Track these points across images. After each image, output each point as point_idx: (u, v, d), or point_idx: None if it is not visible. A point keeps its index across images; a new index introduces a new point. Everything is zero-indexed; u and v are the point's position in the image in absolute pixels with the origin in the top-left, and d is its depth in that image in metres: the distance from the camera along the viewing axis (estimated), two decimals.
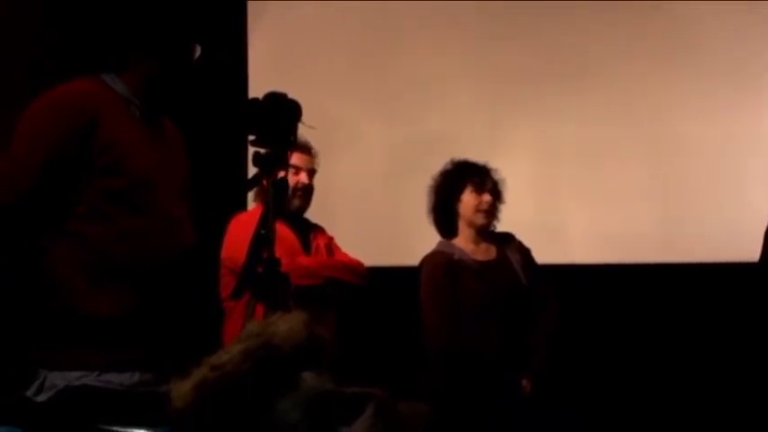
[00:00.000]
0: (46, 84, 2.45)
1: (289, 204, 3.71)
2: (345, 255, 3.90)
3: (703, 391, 4.58)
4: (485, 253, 3.88)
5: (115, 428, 2.04)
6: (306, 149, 3.81)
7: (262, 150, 2.62)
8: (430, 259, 3.85)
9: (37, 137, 2.35)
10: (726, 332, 4.32)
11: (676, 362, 4.71)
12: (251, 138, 2.54)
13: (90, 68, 2.49)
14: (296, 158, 3.74)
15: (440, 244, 3.89)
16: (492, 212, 3.87)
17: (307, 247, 3.83)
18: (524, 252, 3.94)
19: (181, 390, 1.60)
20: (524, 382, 3.73)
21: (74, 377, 2.30)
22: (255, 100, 2.50)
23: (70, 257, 2.35)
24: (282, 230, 3.50)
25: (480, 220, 3.85)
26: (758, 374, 3.56)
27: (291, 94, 2.50)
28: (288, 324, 1.64)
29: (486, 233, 3.90)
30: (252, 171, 2.70)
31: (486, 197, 3.85)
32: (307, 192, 3.83)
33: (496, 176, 3.92)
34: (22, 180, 2.32)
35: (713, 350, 4.57)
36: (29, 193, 2.31)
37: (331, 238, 3.95)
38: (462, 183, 3.87)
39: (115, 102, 2.44)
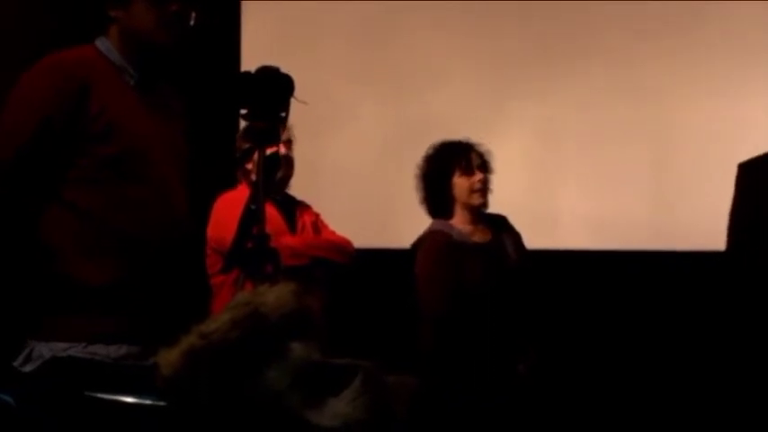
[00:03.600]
0: (26, 59, 2.44)
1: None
2: (332, 232, 3.89)
3: (695, 381, 4.58)
4: (481, 235, 3.88)
5: (102, 396, 2.04)
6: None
7: (253, 125, 2.61)
8: (429, 237, 3.83)
9: (28, 103, 2.34)
10: (717, 320, 4.33)
11: (668, 349, 4.73)
12: (242, 112, 2.53)
13: (79, 33, 2.48)
14: None
15: (436, 223, 3.86)
16: (485, 190, 3.87)
17: (292, 225, 3.81)
18: (515, 236, 3.94)
19: (168, 357, 1.60)
20: (520, 367, 3.73)
21: (60, 348, 2.29)
22: (248, 73, 2.48)
23: (61, 225, 2.34)
24: (268, 209, 3.49)
25: (477, 199, 3.84)
26: (734, 364, 3.58)
27: (284, 69, 2.49)
28: (276, 294, 1.64)
29: (481, 215, 3.89)
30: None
31: (478, 176, 3.84)
32: (286, 163, 3.81)
33: (481, 149, 3.90)
34: (11, 146, 2.31)
35: (705, 338, 4.58)
36: (18, 158, 2.30)
37: (317, 215, 3.94)
38: (450, 165, 3.85)
39: (108, 69, 2.43)
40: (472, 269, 3.74)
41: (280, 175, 3.74)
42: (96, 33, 2.49)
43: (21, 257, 2.37)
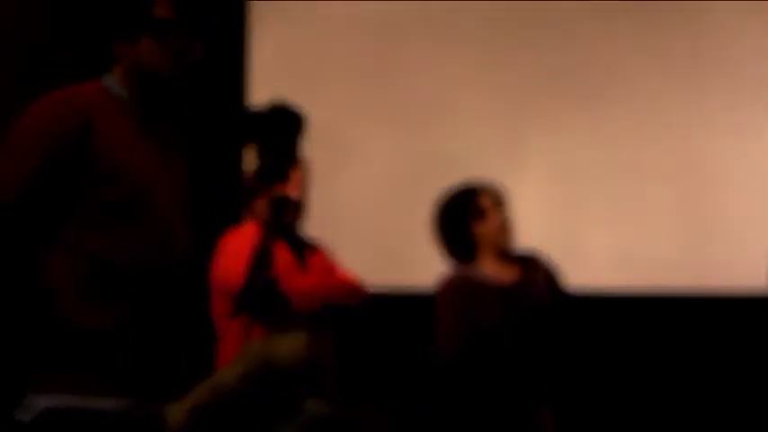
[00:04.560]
0: (38, 88, 2.40)
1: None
2: (343, 273, 3.83)
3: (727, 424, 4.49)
4: (508, 274, 3.79)
5: None
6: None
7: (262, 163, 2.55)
8: (448, 282, 3.76)
9: (32, 139, 2.29)
10: (751, 365, 4.25)
11: (694, 389, 4.61)
12: (251, 149, 2.47)
13: (83, 70, 2.44)
14: None
15: (458, 267, 3.77)
16: (507, 227, 3.79)
17: (303, 265, 3.75)
18: (549, 272, 3.85)
19: (177, 412, 1.55)
20: (541, 416, 3.64)
21: (60, 399, 2.21)
22: (258, 110, 2.43)
23: (62, 269, 2.28)
24: (278, 251, 3.43)
25: (502, 240, 3.76)
26: None
27: (294, 104, 2.43)
28: (289, 345, 1.60)
29: (508, 254, 3.81)
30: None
31: (494, 217, 3.77)
32: (298, 206, 3.75)
33: (490, 189, 3.82)
34: (16, 180, 2.25)
35: (736, 384, 4.49)
36: (22, 193, 2.25)
37: (328, 256, 3.87)
38: (464, 215, 3.79)
39: (112, 106, 2.38)
40: (492, 311, 3.66)
41: (289, 219, 3.68)
42: (101, 66, 2.46)
43: (21, 303, 2.30)
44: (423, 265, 3.91)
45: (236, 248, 3.42)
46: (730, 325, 4.54)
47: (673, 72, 4.83)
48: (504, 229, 3.76)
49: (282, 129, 2.39)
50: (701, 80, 4.81)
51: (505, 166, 4.55)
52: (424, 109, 4.96)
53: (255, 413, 1.48)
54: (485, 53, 4.97)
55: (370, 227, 4.89)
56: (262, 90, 4.86)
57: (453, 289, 3.71)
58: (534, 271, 3.80)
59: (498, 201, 3.82)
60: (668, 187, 4.78)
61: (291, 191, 3.64)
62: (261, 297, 2.38)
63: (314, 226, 3.84)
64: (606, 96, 4.83)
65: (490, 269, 3.76)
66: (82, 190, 2.27)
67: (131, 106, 2.40)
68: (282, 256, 3.54)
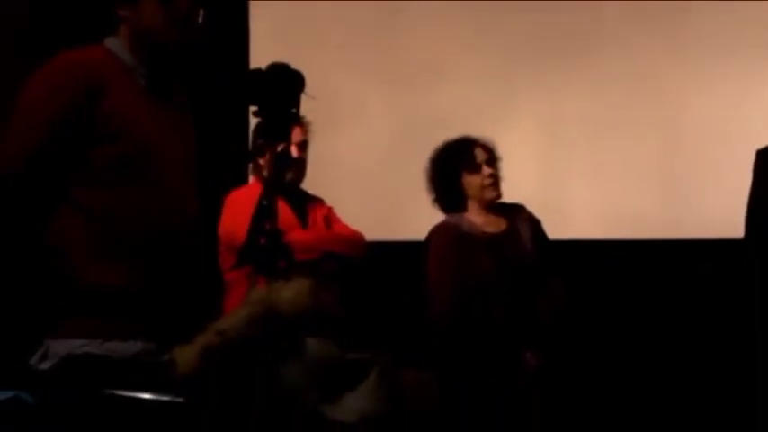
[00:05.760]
0: (35, 58, 2.42)
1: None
2: (344, 226, 3.90)
3: (707, 371, 4.58)
4: (495, 225, 3.88)
5: (119, 393, 2.05)
6: (297, 121, 3.77)
7: (263, 122, 2.61)
8: (437, 230, 3.85)
9: (38, 105, 2.32)
10: (730, 311, 4.33)
11: (679, 339, 4.72)
12: (253, 109, 2.53)
13: (89, 33, 2.48)
14: None
15: (448, 216, 3.89)
16: (497, 182, 3.88)
17: (304, 220, 3.82)
18: (534, 224, 3.93)
19: (185, 355, 1.61)
20: (528, 356, 3.73)
21: (76, 345, 2.28)
22: (258, 70, 2.48)
23: (73, 226, 2.33)
24: (279, 205, 3.50)
25: (489, 194, 3.85)
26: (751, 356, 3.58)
27: (293, 65, 2.49)
28: (292, 291, 1.65)
29: (495, 205, 3.90)
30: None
31: (486, 171, 3.85)
32: (298, 164, 3.82)
33: (485, 143, 3.91)
34: (22, 150, 2.29)
35: (718, 329, 4.58)
36: (28, 163, 2.29)
37: (330, 209, 3.95)
38: (456, 165, 3.87)
39: (118, 69, 2.42)
40: (480, 260, 3.75)
41: (290, 177, 3.75)
42: (106, 32, 2.49)
43: (34, 260, 2.36)
44: (420, 220, 3.99)
45: (240, 204, 3.51)
46: (707, 268, 4.63)
47: (656, 30, 4.87)
48: (493, 183, 3.84)
49: (282, 87, 2.45)
50: (684, 36, 4.86)
51: (495, 122, 4.61)
52: (419, 68, 5.01)
53: (260, 355, 1.54)
54: (479, 16, 5.02)
55: (369, 182, 4.97)
56: (262, 51, 4.91)
57: (442, 237, 3.80)
58: (520, 222, 3.89)
59: (493, 156, 3.90)
60: (651, 142, 4.85)
61: (291, 149, 3.72)
62: (264, 249, 2.45)
63: (313, 183, 3.93)
64: (593, 55, 4.90)
65: (478, 219, 3.85)
66: (91, 150, 2.32)
67: (136, 70, 2.44)
68: (283, 212, 3.62)
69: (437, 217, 3.94)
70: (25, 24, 4.15)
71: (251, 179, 3.98)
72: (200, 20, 2.45)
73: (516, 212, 3.92)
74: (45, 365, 2.29)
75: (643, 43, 4.88)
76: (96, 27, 2.51)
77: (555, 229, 4.05)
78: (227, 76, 4.15)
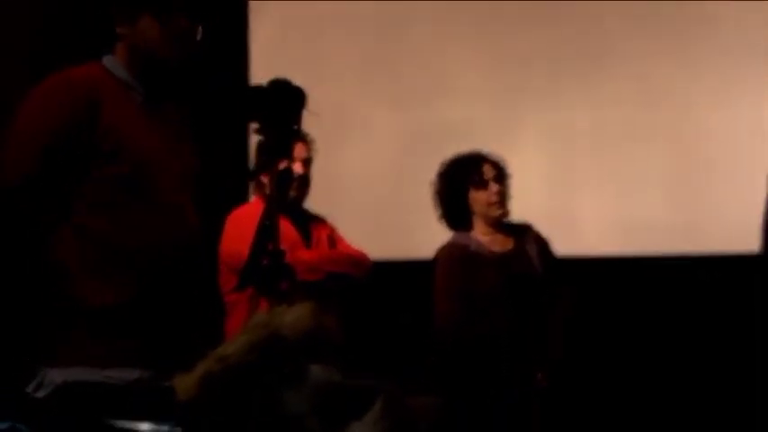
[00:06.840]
0: (39, 70, 2.42)
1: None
2: (348, 246, 3.86)
3: (724, 387, 4.52)
4: (502, 244, 3.84)
5: (118, 423, 2.00)
6: (301, 138, 3.74)
7: (265, 139, 2.58)
8: (445, 250, 3.82)
9: (36, 122, 2.31)
10: (744, 325, 4.27)
11: (692, 355, 4.67)
12: (254, 126, 2.50)
13: (88, 52, 2.46)
14: None
15: (455, 236, 3.85)
16: (503, 200, 3.83)
17: (308, 239, 3.78)
18: (541, 243, 3.90)
19: (185, 383, 1.57)
20: (539, 376, 3.68)
21: (73, 373, 2.26)
22: (259, 87, 2.45)
23: (73, 247, 2.32)
24: (282, 224, 3.46)
25: (495, 211, 3.81)
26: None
27: (297, 80, 2.45)
28: (294, 315, 1.62)
29: (502, 224, 3.86)
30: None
31: (493, 188, 3.81)
32: (302, 182, 3.77)
33: (493, 159, 3.87)
34: (19, 168, 2.28)
35: (731, 344, 4.52)
36: (28, 179, 2.28)
37: (332, 229, 3.91)
38: (464, 181, 3.83)
39: (116, 87, 2.41)
40: (486, 279, 3.71)
41: (293, 194, 3.70)
42: (103, 49, 2.48)
43: (32, 282, 2.33)
44: (424, 237, 3.95)
45: (242, 224, 3.47)
46: (720, 284, 4.58)
47: (665, 39, 4.85)
48: (500, 201, 3.80)
49: (284, 104, 2.41)
50: (692, 45, 4.84)
51: (503, 134, 4.58)
52: (425, 81, 4.99)
53: (262, 382, 1.50)
54: (484, 27, 5.00)
55: (373, 200, 4.93)
56: (263, 67, 4.89)
57: (449, 256, 3.77)
58: (527, 241, 3.85)
59: (502, 173, 3.86)
60: (661, 153, 4.81)
61: (295, 166, 3.68)
62: (266, 270, 2.41)
63: (317, 200, 3.88)
64: (601, 65, 4.88)
65: (484, 238, 3.81)
66: (89, 169, 2.30)
67: (132, 86, 2.43)
68: (287, 231, 3.57)
69: (443, 234, 3.89)
70: (39, 45, 4.16)
71: (252, 198, 3.93)
72: (198, 37, 2.43)
73: (523, 232, 3.89)
74: (41, 394, 2.27)
75: (652, 56, 4.86)
76: (99, 46, 2.50)
77: (565, 243, 4.00)
78: (227, 92, 4.12)
